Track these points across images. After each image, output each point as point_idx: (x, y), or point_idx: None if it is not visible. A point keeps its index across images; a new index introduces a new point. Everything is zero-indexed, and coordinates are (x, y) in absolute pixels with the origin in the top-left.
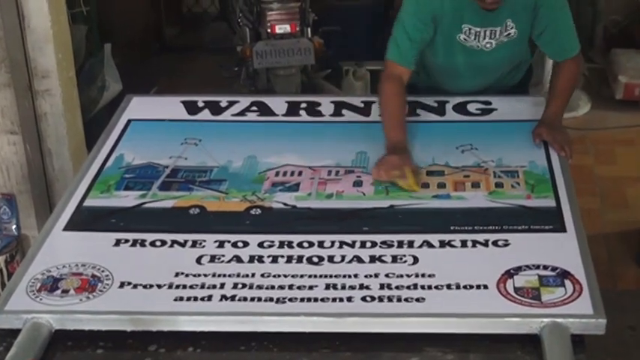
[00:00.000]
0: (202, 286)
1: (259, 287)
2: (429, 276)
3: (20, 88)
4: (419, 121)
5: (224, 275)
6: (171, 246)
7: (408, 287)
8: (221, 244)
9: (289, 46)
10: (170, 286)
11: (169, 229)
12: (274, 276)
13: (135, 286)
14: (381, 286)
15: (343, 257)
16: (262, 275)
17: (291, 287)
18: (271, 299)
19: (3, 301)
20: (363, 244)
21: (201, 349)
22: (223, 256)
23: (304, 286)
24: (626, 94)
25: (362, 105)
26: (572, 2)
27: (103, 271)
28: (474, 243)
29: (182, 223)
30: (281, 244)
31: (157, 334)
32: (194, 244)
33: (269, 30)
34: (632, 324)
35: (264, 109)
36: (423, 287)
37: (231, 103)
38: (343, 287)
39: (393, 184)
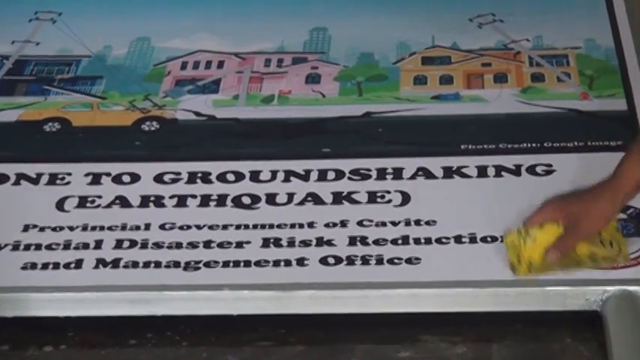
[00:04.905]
0: (67, 246)
1: (158, 246)
2: (427, 223)
3: None
4: None
5: (101, 228)
6: (17, 183)
7: (394, 242)
8: (96, 179)
9: None
10: (15, 247)
11: (13, 156)
12: (181, 228)
13: None
14: (351, 241)
15: (291, 196)
16: (162, 227)
17: (208, 245)
18: (177, 265)
19: None
20: (322, 176)
21: (66, 345)
22: (100, 197)
23: (229, 243)
24: None
25: None
26: None
27: None
28: (498, 170)
29: (33, 146)
30: (191, 178)
31: None
32: (52, 179)
33: None
34: None
35: None
36: (417, 241)
37: None
38: (291, 244)
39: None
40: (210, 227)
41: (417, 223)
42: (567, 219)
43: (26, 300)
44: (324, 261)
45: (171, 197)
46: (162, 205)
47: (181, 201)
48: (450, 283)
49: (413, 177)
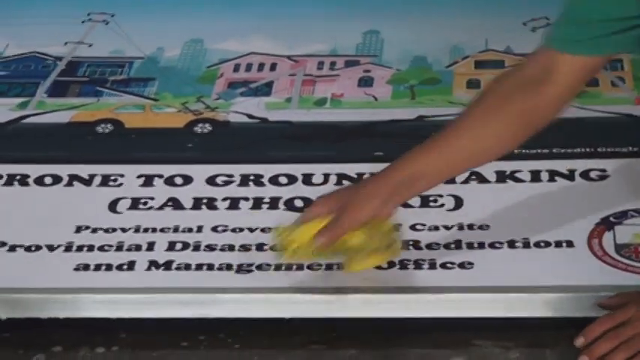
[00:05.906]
0: (119, 248)
1: (210, 248)
2: (480, 228)
3: None
4: None
5: (154, 230)
6: (69, 184)
7: (447, 246)
8: (148, 181)
9: None
10: (68, 248)
11: (65, 156)
12: (234, 230)
13: (12, 248)
14: (404, 245)
15: None
16: (215, 229)
17: (260, 248)
18: (230, 267)
19: None
20: None
21: (118, 346)
22: (152, 199)
23: None
24: None
25: None
26: None
27: None
28: (552, 174)
29: (85, 147)
30: (244, 180)
31: (48, 323)
32: (105, 180)
33: None
34: None
35: None
36: (470, 246)
37: None
38: None
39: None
40: (263, 230)
41: (470, 227)
42: (337, 209)
43: (79, 301)
44: (376, 265)
45: (223, 199)
46: (215, 208)
47: (234, 203)
48: (503, 288)
49: (466, 181)
